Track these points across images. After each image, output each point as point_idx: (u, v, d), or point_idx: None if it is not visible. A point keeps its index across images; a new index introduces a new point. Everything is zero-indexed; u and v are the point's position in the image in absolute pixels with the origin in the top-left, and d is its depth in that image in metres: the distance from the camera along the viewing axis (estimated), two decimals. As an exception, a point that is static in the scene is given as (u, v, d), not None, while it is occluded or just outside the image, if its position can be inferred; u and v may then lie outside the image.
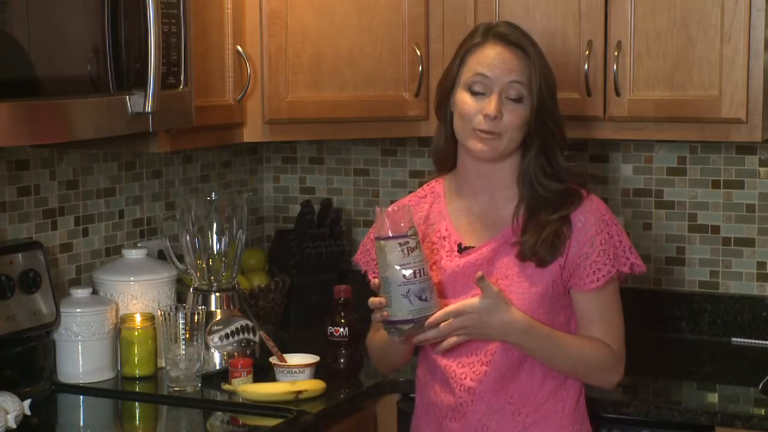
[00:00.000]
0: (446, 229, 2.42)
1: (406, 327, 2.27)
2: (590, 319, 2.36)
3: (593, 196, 2.39)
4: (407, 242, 2.25)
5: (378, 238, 2.27)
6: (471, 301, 2.27)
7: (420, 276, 2.25)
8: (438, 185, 2.49)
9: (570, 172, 2.39)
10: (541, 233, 2.31)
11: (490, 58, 2.33)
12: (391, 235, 2.25)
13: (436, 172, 2.51)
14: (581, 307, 2.36)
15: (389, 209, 2.28)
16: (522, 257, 2.33)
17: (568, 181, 2.38)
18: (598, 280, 2.33)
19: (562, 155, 2.40)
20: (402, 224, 2.26)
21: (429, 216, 2.45)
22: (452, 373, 2.38)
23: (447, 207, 2.44)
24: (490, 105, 2.31)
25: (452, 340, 2.29)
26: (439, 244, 2.41)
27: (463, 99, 2.35)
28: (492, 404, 2.35)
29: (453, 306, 2.28)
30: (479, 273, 2.25)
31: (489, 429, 2.36)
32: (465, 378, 2.37)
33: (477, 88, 2.33)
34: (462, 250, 2.39)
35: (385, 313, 2.27)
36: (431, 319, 2.27)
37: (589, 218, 2.34)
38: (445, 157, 2.45)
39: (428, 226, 2.44)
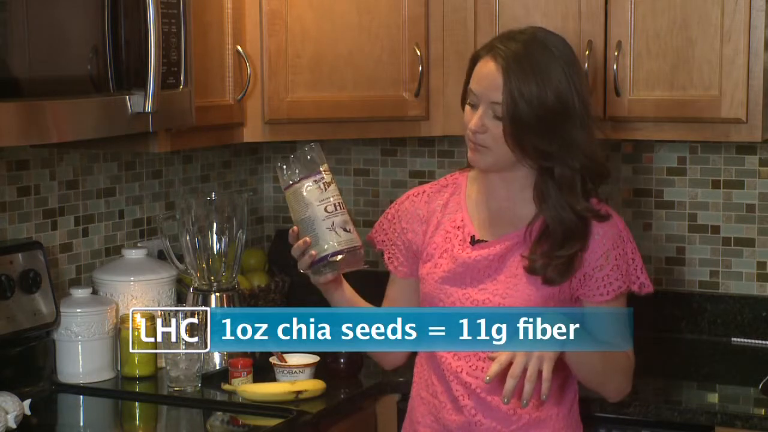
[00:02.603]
0: (462, 220, 2.42)
1: (338, 258, 2.28)
2: (597, 329, 2.35)
3: (610, 209, 2.39)
4: (322, 178, 2.29)
5: (291, 185, 2.29)
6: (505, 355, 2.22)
7: (340, 208, 2.29)
8: (461, 177, 2.50)
9: (581, 203, 2.33)
10: (552, 259, 2.31)
11: (481, 74, 2.33)
12: (305, 174, 2.28)
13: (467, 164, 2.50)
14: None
15: (294, 155, 2.30)
16: (530, 272, 2.33)
17: (581, 210, 2.33)
18: (608, 294, 2.34)
19: (586, 188, 2.33)
20: (311, 163, 2.29)
21: (448, 204, 2.46)
22: (449, 366, 2.39)
23: (466, 199, 2.45)
24: (472, 120, 2.33)
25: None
26: (453, 233, 2.42)
27: (465, 109, 2.37)
28: (488, 401, 2.35)
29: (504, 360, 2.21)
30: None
31: (483, 426, 2.36)
32: (461, 372, 2.37)
33: (471, 101, 2.35)
34: (474, 242, 2.39)
35: (313, 253, 2.28)
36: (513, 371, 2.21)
37: (608, 232, 2.35)
38: None
39: (445, 215, 2.45)
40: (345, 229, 2.28)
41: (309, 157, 2.30)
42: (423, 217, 2.47)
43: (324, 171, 2.29)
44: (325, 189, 2.28)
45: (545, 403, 2.35)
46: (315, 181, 2.28)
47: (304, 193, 2.28)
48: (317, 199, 2.28)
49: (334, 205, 2.28)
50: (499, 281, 2.35)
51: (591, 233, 2.34)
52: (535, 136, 2.28)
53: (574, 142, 2.31)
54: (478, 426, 2.36)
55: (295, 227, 2.32)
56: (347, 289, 2.43)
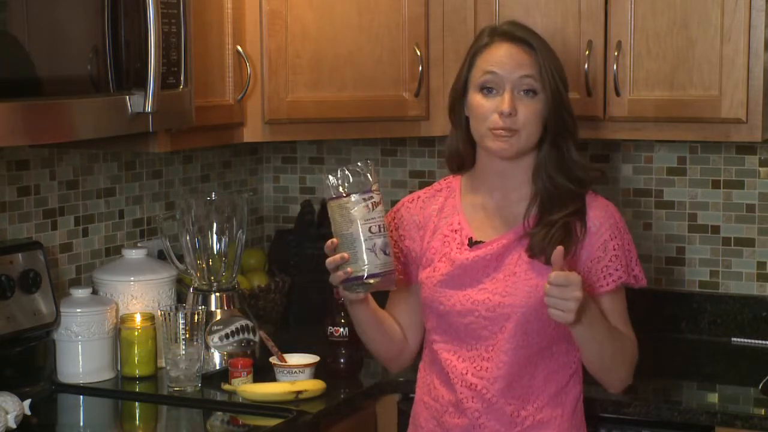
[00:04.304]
0: (459, 223, 2.43)
1: (373, 281, 2.28)
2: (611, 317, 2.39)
3: (608, 202, 2.41)
4: (372, 197, 2.27)
5: (337, 197, 2.27)
6: (574, 274, 2.21)
7: (383, 230, 2.28)
8: (455, 180, 2.50)
9: (582, 166, 2.39)
10: (550, 229, 2.32)
11: (498, 56, 2.35)
12: (354, 190, 2.26)
13: (451, 173, 2.52)
14: None
15: (347, 167, 2.29)
16: (530, 252, 2.33)
17: (580, 175, 2.38)
18: (607, 284, 2.35)
19: (575, 148, 2.40)
20: (363, 180, 2.28)
21: (443, 209, 2.47)
22: (453, 368, 2.38)
23: (461, 201, 2.46)
24: (504, 102, 2.32)
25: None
26: (451, 236, 2.42)
27: (477, 100, 2.36)
28: (492, 402, 2.35)
29: (565, 273, 2.19)
30: (559, 248, 2.20)
31: (486, 429, 2.36)
32: (466, 373, 2.37)
33: (489, 86, 2.34)
34: (472, 244, 2.40)
35: (349, 270, 2.27)
36: (555, 277, 2.19)
37: (605, 223, 2.36)
38: (463, 160, 2.47)
39: (441, 219, 2.45)
40: (385, 252, 2.27)
41: (362, 173, 2.28)
42: (419, 222, 2.47)
43: (374, 190, 2.28)
44: (373, 209, 2.26)
45: (546, 405, 2.35)
46: (364, 198, 2.26)
47: (351, 210, 2.26)
48: (363, 218, 2.26)
49: (379, 226, 2.26)
50: (498, 279, 2.35)
51: (587, 225, 2.34)
52: (566, 102, 2.36)
53: (570, 103, 2.40)
54: (482, 429, 2.36)
55: (334, 239, 2.30)
56: (372, 304, 2.42)
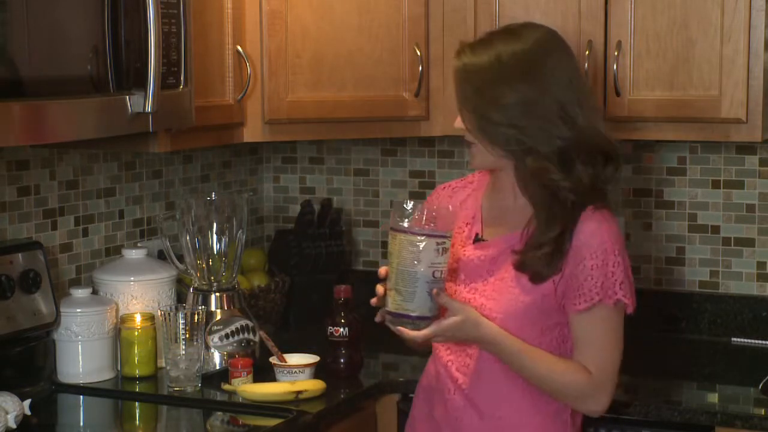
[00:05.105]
0: (473, 217, 2.46)
1: (423, 324, 2.27)
2: (576, 342, 2.34)
3: (605, 217, 2.34)
4: (444, 242, 2.25)
5: (408, 231, 2.24)
6: (444, 323, 2.28)
7: (444, 276, 2.27)
8: (484, 177, 2.52)
9: (543, 176, 2.32)
10: (539, 250, 2.31)
11: None
12: (432, 232, 2.24)
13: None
14: (571, 329, 2.35)
15: (432, 206, 2.27)
16: (518, 267, 2.33)
17: (550, 184, 2.32)
18: (579, 304, 2.30)
19: (538, 159, 2.31)
20: (442, 223, 2.26)
21: (467, 201, 2.50)
22: (440, 358, 2.43)
23: (483, 197, 2.48)
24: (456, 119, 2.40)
25: None
26: (462, 229, 2.44)
27: None
28: (471, 398, 2.37)
29: (429, 330, 2.29)
30: (435, 290, 2.26)
31: (462, 423, 2.37)
32: (451, 366, 2.40)
33: None
34: (477, 240, 2.41)
35: (400, 304, 2.26)
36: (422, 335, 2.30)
37: (589, 241, 2.30)
38: None
39: (462, 210, 2.48)
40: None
41: (443, 215, 2.26)
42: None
43: (449, 237, 2.26)
44: (442, 254, 2.25)
45: (526, 412, 2.35)
46: (438, 243, 2.24)
47: (421, 248, 2.23)
48: (431, 262, 2.24)
49: (442, 271, 2.26)
50: (489, 282, 2.36)
51: (573, 240, 2.30)
52: (497, 126, 2.31)
53: (543, 128, 2.30)
54: (458, 422, 2.39)
55: (384, 268, 2.30)
56: None
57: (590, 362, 2.32)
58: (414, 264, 2.24)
